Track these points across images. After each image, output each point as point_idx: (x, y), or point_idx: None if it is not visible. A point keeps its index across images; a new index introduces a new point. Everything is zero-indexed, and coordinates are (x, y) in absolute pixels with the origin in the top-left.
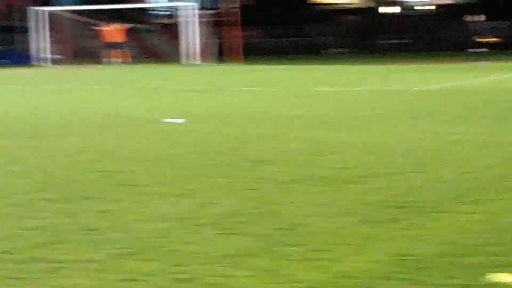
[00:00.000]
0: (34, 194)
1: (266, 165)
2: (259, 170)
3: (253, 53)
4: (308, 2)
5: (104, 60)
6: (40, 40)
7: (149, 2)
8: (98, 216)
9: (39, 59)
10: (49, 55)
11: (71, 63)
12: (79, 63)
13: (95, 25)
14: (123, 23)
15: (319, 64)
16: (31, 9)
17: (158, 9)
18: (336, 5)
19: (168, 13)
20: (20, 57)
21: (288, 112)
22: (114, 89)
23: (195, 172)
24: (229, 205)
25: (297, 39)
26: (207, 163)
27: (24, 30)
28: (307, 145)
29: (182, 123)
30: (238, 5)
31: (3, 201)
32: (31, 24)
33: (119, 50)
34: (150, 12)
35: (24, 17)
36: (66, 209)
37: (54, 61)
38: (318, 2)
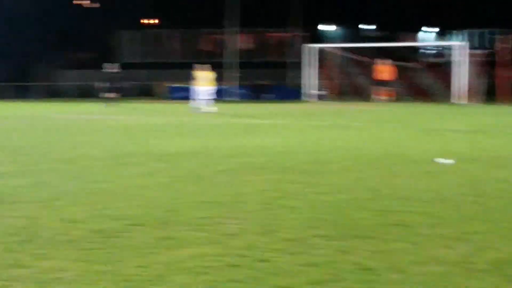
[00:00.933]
0: (307, 230)
1: None
2: None
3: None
4: None
5: (374, 97)
6: (311, 76)
7: (420, 41)
8: (372, 256)
9: (308, 95)
10: (317, 91)
11: (338, 99)
12: (345, 100)
13: (365, 63)
14: (393, 61)
15: None
16: (305, 46)
17: (429, 48)
18: None
19: (438, 52)
20: (289, 92)
21: None
22: (383, 127)
23: (468, 215)
24: (506, 251)
25: None
26: (479, 206)
27: (294, 66)
28: None
29: (451, 164)
30: (510, 45)
31: (277, 235)
32: (305, 60)
33: (387, 88)
34: (420, 50)
35: (292, 53)
36: (340, 247)
37: (321, 97)
38: None
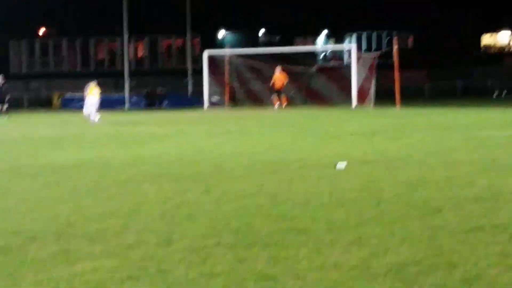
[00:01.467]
0: (206, 239)
1: (438, 213)
2: (432, 218)
3: (411, 96)
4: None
5: (274, 104)
6: (207, 83)
7: (316, 45)
8: (272, 263)
9: (206, 102)
10: (214, 98)
11: (233, 106)
12: (240, 106)
13: (260, 69)
14: (287, 65)
15: (485, 108)
16: (204, 52)
17: (321, 52)
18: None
19: (330, 55)
20: (184, 99)
21: (454, 156)
22: (280, 132)
23: (366, 218)
24: (403, 254)
25: (460, 82)
26: (375, 210)
27: (190, 73)
28: (480, 191)
29: (344, 166)
30: (397, 48)
31: (176, 245)
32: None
33: (281, 94)
34: (316, 54)
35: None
36: (240, 255)
37: (214, 104)
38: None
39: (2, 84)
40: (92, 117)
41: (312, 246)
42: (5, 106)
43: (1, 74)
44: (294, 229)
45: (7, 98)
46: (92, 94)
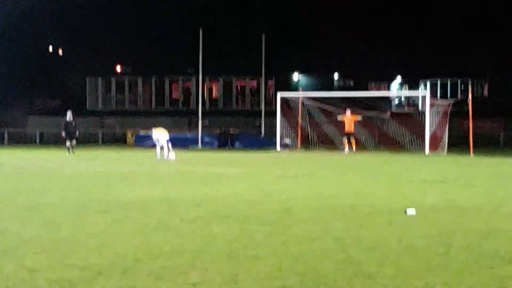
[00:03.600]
0: (271, 281)
1: (508, 263)
2: (502, 268)
3: (485, 145)
4: None
5: (345, 147)
6: (280, 125)
7: (390, 91)
8: None
9: (279, 144)
10: (286, 140)
11: (304, 149)
12: (311, 149)
13: (332, 112)
14: (362, 110)
15: None
16: (278, 94)
17: (395, 98)
18: None
19: (404, 102)
20: (256, 141)
21: None
22: (350, 176)
23: (435, 266)
24: None
25: None
26: (444, 257)
27: (263, 115)
28: None
29: (414, 214)
30: (471, 95)
31: (240, 286)
32: (276, 109)
33: (353, 138)
34: (390, 100)
35: (262, 101)
36: None
37: (286, 146)
38: None
39: (72, 121)
40: (170, 155)
41: None
42: (73, 141)
43: (70, 110)
44: (361, 274)
45: (76, 134)
46: (162, 133)
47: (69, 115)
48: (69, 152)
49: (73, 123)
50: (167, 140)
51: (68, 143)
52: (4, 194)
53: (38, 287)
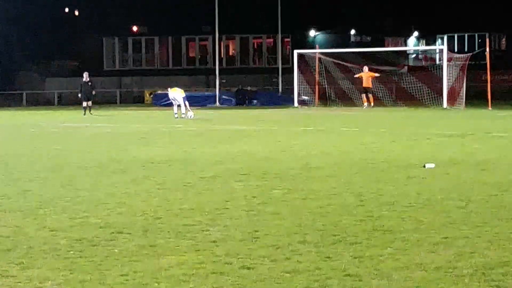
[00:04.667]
0: (291, 237)
1: None
2: None
3: (503, 97)
4: None
5: (363, 103)
6: (297, 82)
7: (407, 46)
8: (357, 262)
9: (291, 100)
10: (303, 97)
11: (322, 105)
12: (329, 105)
13: (349, 68)
14: (378, 66)
15: None
16: (295, 52)
17: (412, 52)
18: None
19: (421, 56)
20: (274, 98)
21: None
22: (368, 132)
23: (453, 219)
24: (490, 256)
25: None
26: (463, 211)
27: (280, 72)
28: None
29: (433, 167)
30: (489, 49)
31: (261, 242)
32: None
33: (370, 94)
34: (407, 55)
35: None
36: (324, 253)
37: (304, 103)
38: None
39: (88, 81)
40: (188, 114)
41: (397, 246)
42: (90, 102)
43: (86, 72)
44: (380, 229)
45: (93, 95)
46: (178, 93)
47: (85, 76)
48: (85, 113)
49: (90, 84)
50: (184, 98)
51: (84, 104)
52: (24, 156)
53: (60, 247)
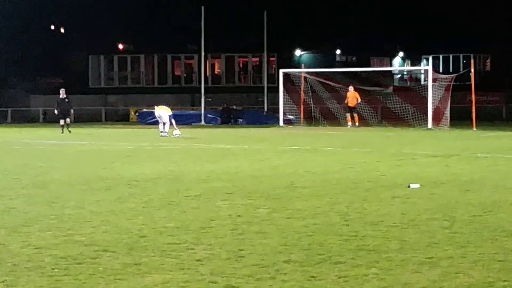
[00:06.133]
0: (276, 256)
1: None
2: (505, 240)
3: (488, 119)
4: None
5: (348, 122)
6: (280, 101)
7: (392, 66)
8: (340, 282)
9: (276, 119)
10: (289, 116)
11: (307, 124)
12: (314, 124)
13: (335, 88)
14: (366, 86)
15: None
16: (281, 71)
17: (397, 73)
18: None
19: (407, 77)
20: (259, 117)
21: None
22: (353, 152)
23: (437, 239)
24: (475, 276)
25: None
26: (448, 231)
27: (265, 91)
28: None
29: (418, 188)
30: (474, 70)
31: (246, 261)
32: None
33: (355, 113)
34: (392, 75)
35: (264, 78)
36: (309, 273)
37: (289, 122)
38: None
39: (65, 98)
40: (174, 132)
41: (382, 265)
42: (67, 120)
43: (63, 89)
44: (365, 248)
45: (71, 112)
46: (164, 111)
47: (62, 93)
48: (63, 131)
49: (67, 101)
50: (170, 116)
51: (62, 122)
52: (9, 172)
53: (44, 264)
